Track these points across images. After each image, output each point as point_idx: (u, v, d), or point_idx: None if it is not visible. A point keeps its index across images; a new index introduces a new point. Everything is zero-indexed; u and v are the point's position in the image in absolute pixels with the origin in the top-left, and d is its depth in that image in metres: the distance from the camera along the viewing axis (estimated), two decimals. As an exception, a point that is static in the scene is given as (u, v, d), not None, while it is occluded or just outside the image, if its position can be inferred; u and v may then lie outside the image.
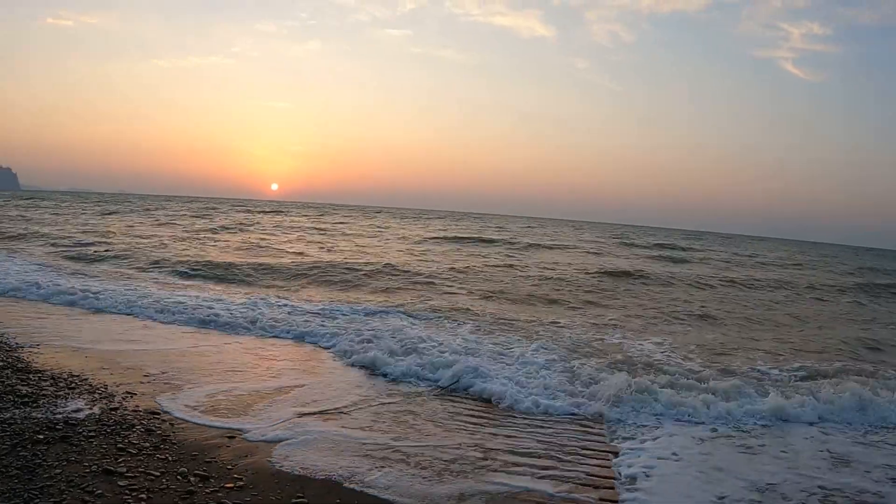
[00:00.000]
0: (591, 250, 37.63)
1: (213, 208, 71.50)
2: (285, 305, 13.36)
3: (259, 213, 64.77)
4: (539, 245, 38.58)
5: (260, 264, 20.15)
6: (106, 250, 22.39)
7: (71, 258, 20.37)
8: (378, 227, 51.32)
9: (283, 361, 9.17)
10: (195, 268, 18.46)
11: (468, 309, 14.09)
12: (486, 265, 24.38)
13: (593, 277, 22.65)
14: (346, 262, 21.37)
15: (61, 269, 17.30)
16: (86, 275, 16.61)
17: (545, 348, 10.42)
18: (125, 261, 20.18)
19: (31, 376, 7.41)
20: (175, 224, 40.37)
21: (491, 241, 37.34)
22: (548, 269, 24.51)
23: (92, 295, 13.11)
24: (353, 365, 9.09)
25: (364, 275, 18.94)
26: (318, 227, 45.28)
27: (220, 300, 13.48)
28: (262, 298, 13.96)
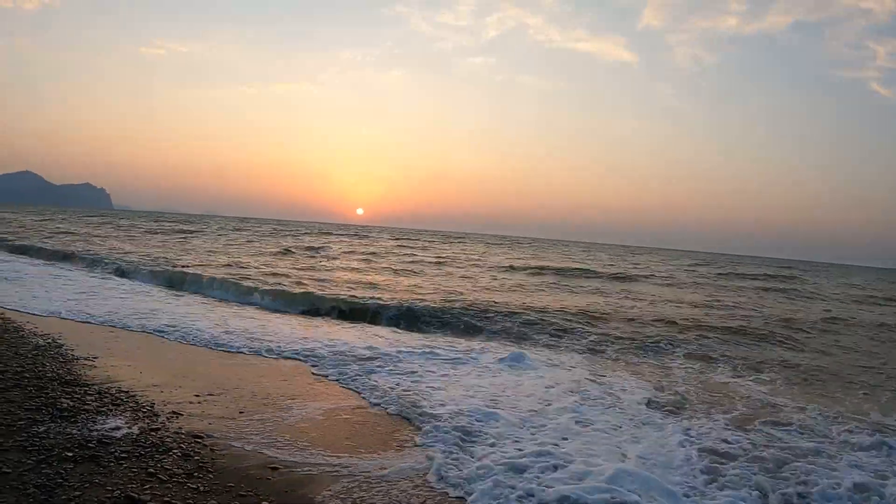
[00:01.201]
0: (751, 286, 35.40)
1: (327, 233, 75.02)
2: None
3: (382, 242, 66.50)
4: (652, 276, 36.93)
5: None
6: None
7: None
8: (480, 254, 51.26)
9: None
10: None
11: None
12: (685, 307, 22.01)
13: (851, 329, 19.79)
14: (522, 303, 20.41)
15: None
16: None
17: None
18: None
19: (76, 389, 7.43)
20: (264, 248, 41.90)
21: (594, 274, 35.80)
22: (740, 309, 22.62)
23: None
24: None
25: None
26: (436, 253, 45.81)
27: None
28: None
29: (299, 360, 10.28)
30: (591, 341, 13.90)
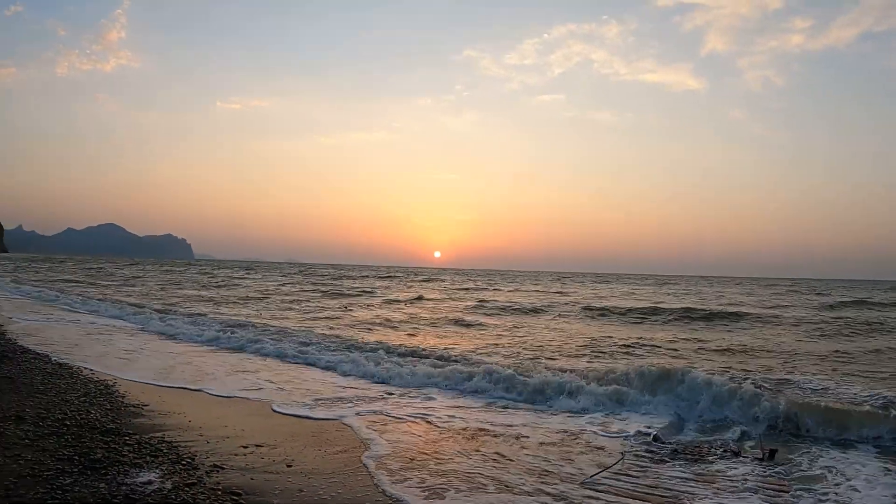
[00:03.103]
0: None
1: (431, 279, 75.69)
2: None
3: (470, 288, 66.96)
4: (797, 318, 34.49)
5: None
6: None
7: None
8: (599, 296, 50.05)
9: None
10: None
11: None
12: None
13: None
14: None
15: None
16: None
17: None
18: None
19: (115, 439, 7.42)
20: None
21: (734, 316, 32.86)
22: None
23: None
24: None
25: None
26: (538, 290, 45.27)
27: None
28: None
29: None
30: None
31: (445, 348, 16.87)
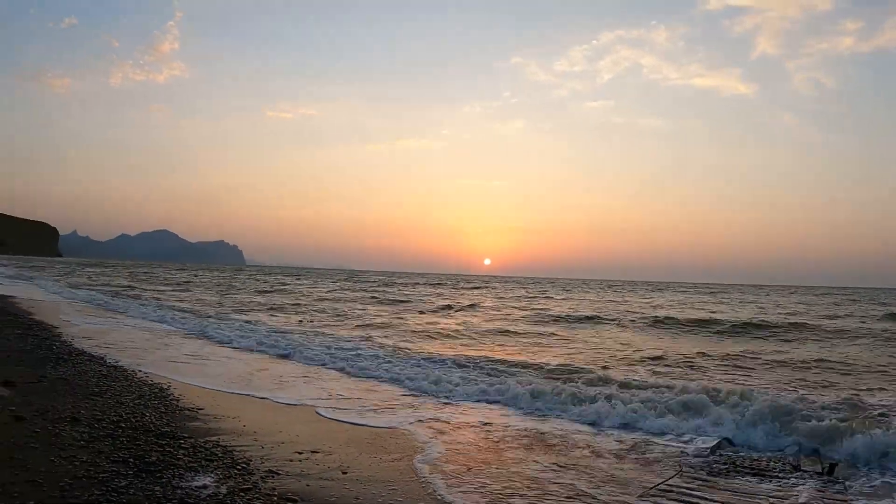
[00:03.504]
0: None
1: (499, 288, 75.84)
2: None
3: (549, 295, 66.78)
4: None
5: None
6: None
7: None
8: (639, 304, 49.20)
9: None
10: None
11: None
12: None
13: None
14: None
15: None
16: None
17: None
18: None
19: (170, 442, 7.47)
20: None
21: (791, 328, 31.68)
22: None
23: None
24: None
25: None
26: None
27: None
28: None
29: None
30: None
31: (502, 359, 16.69)
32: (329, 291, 53.03)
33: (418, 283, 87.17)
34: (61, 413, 8.33)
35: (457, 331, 23.74)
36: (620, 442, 9.05)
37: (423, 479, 6.90)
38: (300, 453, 7.55)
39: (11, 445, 6.70)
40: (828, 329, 27.74)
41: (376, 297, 45.87)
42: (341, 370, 14.45)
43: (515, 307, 40.27)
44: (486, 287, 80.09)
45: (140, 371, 12.42)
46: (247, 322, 25.04)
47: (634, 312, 36.43)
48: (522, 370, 14.57)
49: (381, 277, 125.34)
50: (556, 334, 23.99)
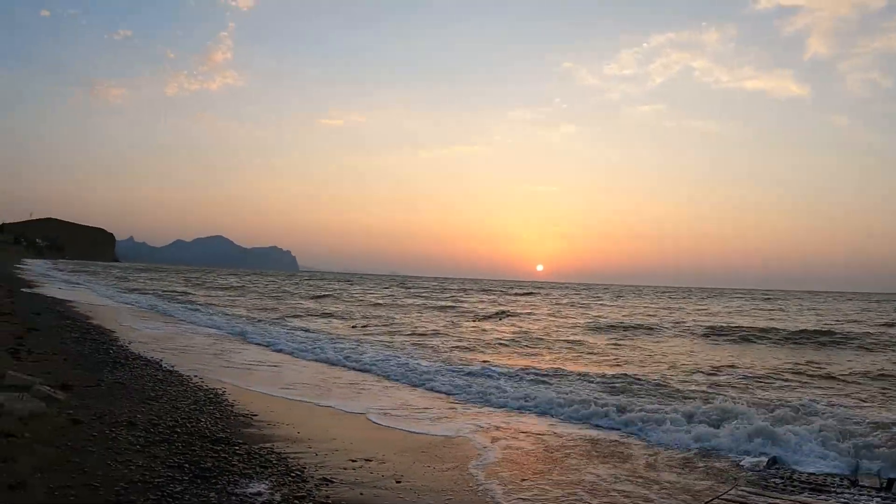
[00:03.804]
0: None
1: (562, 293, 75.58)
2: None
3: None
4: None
5: None
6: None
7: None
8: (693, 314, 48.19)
9: None
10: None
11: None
12: None
13: None
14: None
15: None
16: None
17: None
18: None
19: (225, 448, 7.55)
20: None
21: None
22: None
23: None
24: None
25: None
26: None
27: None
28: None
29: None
30: None
31: (558, 368, 16.51)
32: (381, 297, 53.33)
33: (470, 289, 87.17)
34: (118, 417, 8.49)
35: (512, 339, 23.58)
36: (674, 453, 8.91)
37: (480, 487, 6.85)
38: (354, 461, 7.56)
39: (69, 448, 6.84)
40: (894, 338, 26.69)
41: (429, 304, 45.98)
42: (395, 378, 14.45)
43: (570, 314, 39.87)
44: (540, 293, 79.52)
45: (195, 376, 12.62)
46: (300, 328, 25.34)
47: (691, 320, 35.70)
48: (578, 379, 14.37)
49: (432, 283, 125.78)
50: (612, 343, 23.65)
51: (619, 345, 23.00)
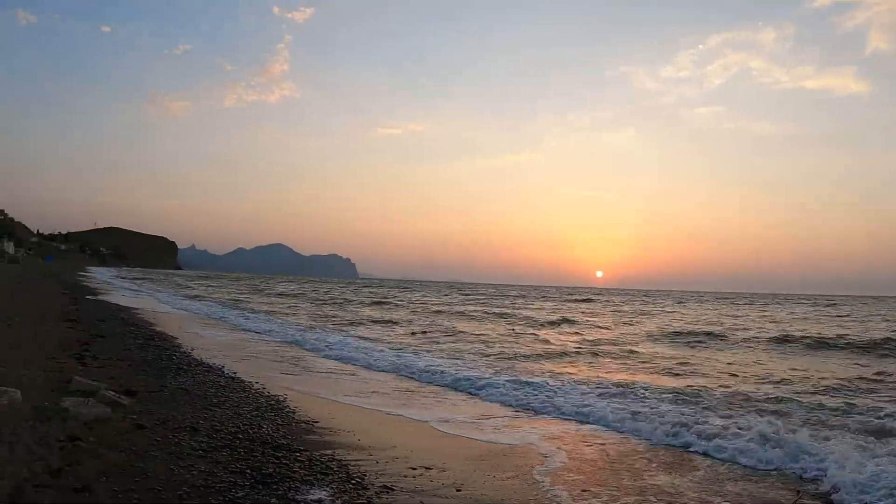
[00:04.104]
0: None
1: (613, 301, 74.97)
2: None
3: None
4: None
5: None
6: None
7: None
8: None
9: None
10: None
11: None
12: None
13: None
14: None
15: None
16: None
17: None
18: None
19: (287, 454, 7.64)
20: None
21: None
22: None
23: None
24: None
25: None
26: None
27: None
28: None
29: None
30: None
31: (622, 380, 16.29)
32: (440, 304, 53.44)
33: (529, 296, 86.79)
34: (181, 423, 8.67)
35: (575, 348, 23.29)
36: (737, 467, 8.71)
37: (545, 494, 6.79)
38: (414, 469, 7.59)
39: (133, 453, 7.01)
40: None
41: (488, 311, 45.86)
42: (454, 387, 14.39)
43: (633, 322, 39.29)
44: (599, 300, 78.65)
45: (256, 383, 12.82)
46: (360, 336, 25.58)
47: (756, 327, 34.75)
48: (643, 390, 14.07)
49: (490, 290, 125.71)
50: (677, 352, 23.13)
51: (685, 354, 22.45)
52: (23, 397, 8.21)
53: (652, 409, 11.81)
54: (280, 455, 7.59)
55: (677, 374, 17.31)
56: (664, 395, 13.48)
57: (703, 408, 12.20)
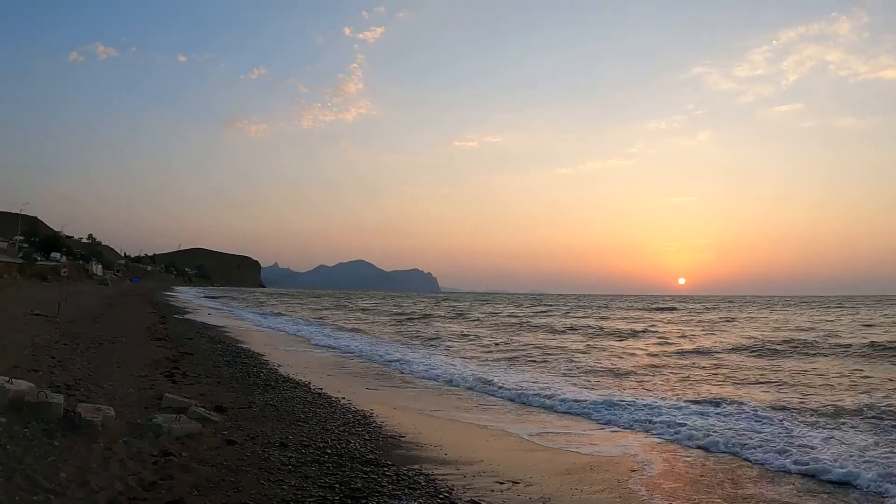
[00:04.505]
0: None
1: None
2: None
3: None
4: None
5: None
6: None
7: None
8: None
9: None
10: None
11: None
12: None
13: None
14: None
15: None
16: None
17: None
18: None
19: (375, 469, 7.76)
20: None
21: None
22: None
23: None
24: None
25: None
26: None
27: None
28: None
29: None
30: None
31: (714, 394, 15.84)
32: (522, 317, 53.02)
33: (612, 306, 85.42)
34: (270, 438, 8.90)
35: (662, 362, 22.64)
36: (824, 486, 8.29)
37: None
38: (501, 483, 7.61)
39: (224, 468, 7.24)
40: None
41: (570, 322, 45.29)
42: (537, 403, 14.15)
43: (719, 330, 37.95)
44: (684, 308, 76.42)
45: (343, 398, 13.02)
46: (441, 349, 25.71)
47: (850, 334, 32.99)
48: (735, 406, 13.50)
49: (573, 301, 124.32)
50: (768, 362, 22.03)
51: (775, 364, 21.48)
52: (117, 414, 8.57)
53: (745, 423, 11.46)
54: (368, 470, 7.71)
55: (769, 385, 16.55)
56: (757, 409, 12.91)
57: (800, 422, 11.73)
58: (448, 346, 27.83)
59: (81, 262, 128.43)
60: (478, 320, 48.95)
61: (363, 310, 67.25)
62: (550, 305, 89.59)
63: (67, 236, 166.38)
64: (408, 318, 50.27)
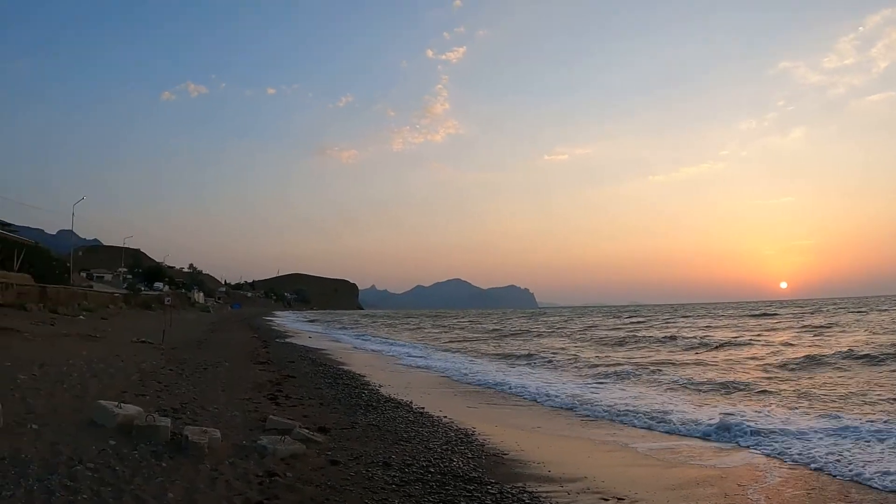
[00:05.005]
0: None
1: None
2: None
3: None
4: None
5: None
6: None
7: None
8: None
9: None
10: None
11: None
12: None
13: None
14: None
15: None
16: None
17: None
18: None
19: (478, 488, 7.85)
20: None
21: None
22: None
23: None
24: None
25: None
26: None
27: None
28: None
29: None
30: None
31: (836, 411, 15.19)
32: (620, 331, 51.86)
33: (712, 314, 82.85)
34: (373, 457, 9.07)
35: (768, 375, 21.62)
36: None
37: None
38: (606, 500, 7.62)
39: (328, 487, 7.42)
40: None
41: (669, 334, 43.98)
42: (637, 423, 13.72)
43: (826, 337, 35.81)
44: (786, 315, 72.83)
45: (445, 417, 13.14)
46: (537, 367, 25.56)
47: None
48: (850, 419, 12.83)
49: (671, 310, 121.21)
50: (880, 371, 20.67)
51: (891, 373, 20.26)
52: (222, 436, 8.90)
53: (865, 441, 10.91)
54: (471, 488, 7.76)
55: (881, 402, 15.52)
56: (874, 427, 12.14)
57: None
58: (545, 361, 27.63)
59: (183, 290, 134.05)
60: (575, 334, 48.42)
61: (460, 328, 67.57)
62: (649, 316, 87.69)
63: (169, 266, 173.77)
64: (504, 335, 50.21)
